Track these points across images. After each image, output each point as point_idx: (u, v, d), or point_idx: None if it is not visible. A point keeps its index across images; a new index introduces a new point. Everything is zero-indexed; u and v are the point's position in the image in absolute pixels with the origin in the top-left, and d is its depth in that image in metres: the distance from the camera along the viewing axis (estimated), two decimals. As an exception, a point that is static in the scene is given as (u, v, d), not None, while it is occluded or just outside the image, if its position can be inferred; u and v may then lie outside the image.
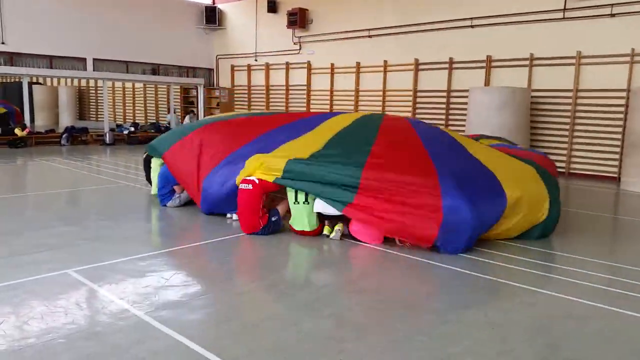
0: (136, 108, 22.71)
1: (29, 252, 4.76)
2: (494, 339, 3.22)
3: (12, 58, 14.31)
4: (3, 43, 13.91)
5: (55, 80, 25.06)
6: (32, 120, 23.32)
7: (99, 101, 25.36)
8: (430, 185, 5.16)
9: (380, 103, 14.38)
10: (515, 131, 10.85)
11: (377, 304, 3.82)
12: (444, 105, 13.10)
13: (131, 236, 5.52)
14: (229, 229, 5.79)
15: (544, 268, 4.84)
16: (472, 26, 12.42)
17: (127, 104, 23.24)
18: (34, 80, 24.52)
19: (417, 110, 13.63)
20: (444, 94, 13.06)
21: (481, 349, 3.08)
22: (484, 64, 12.27)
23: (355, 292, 4.08)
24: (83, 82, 24.22)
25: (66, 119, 23.69)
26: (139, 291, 3.90)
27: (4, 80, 25.16)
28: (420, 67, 13.53)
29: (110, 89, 22.88)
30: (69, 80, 23.97)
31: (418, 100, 13.63)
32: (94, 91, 25.05)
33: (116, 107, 23.83)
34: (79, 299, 3.71)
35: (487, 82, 12.21)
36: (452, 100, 12.95)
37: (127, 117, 23.07)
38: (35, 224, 5.87)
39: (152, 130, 17.27)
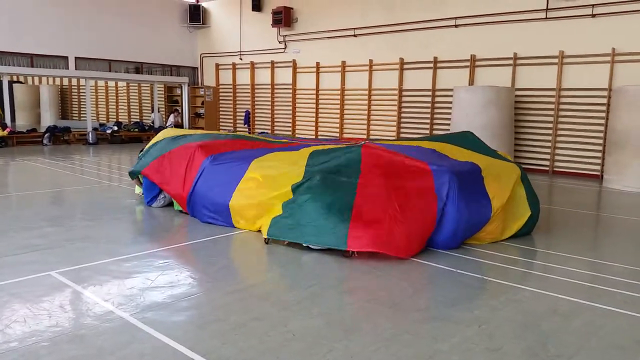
0: (120, 107, 22.45)
1: (11, 254, 4.68)
2: (481, 336, 3.24)
3: (-9, 56, 14.05)
4: (-18, 41, 13.64)
5: (37, 79, 24.64)
6: (13, 119, 23.06)
7: (81, 100, 25.01)
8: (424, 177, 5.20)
9: (366, 102, 14.41)
10: (499, 130, 10.96)
11: (364, 303, 3.82)
12: (429, 105, 13.17)
13: (116, 237, 5.46)
14: (215, 230, 5.74)
15: (529, 265, 4.89)
16: (456, 26, 12.51)
17: (110, 103, 22.96)
18: (15, 79, 24.15)
19: (403, 109, 13.69)
20: (429, 93, 13.13)
21: (469, 345, 3.09)
22: (468, 64, 12.36)
23: (342, 292, 4.08)
24: (65, 81, 23.85)
25: (48, 119, 23.33)
26: (124, 293, 3.85)
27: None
28: (406, 66, 13.59)
29: (93, 87, 22.60)
30: (50, 79, 23.59)
31: (403, 99, 13.69)
32: (76, 90, 24.70)
33: (99, 106, 23.54)
34: (63, 301, 3.65)
35: (471, 82, 12.31)
36: (437, 99, 13.02)
37: (110, 117, 22.79)
38: (18, 224, 5.77)
39: (136, 130, 17.12)
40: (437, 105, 13.05)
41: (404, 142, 6.94)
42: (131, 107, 21.74)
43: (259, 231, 5.56)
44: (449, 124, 12.11)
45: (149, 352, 2.93)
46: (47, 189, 8.37)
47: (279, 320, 3.43)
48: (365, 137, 14.27)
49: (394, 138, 13.69)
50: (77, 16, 15.47)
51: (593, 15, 10.55)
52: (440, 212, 5.07)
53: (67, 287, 3.91)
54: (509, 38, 11.66)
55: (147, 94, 20.85)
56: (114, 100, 22.66)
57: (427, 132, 13.15)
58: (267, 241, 5.20)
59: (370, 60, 14.20)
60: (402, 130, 13.75)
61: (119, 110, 22.47)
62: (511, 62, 11.67)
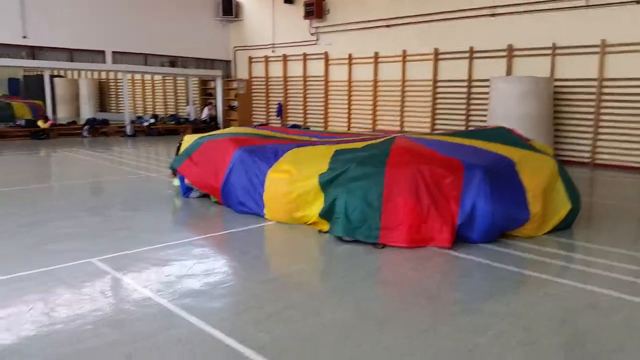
0: (156, 100, 22.91)
1: (55, 241, 4.85)
2: (518, 329, 3.18)
3: (33, 52, 14.50)
4: (25, 37, 14.08)
5: (75, 73, 25.35)
6: (54, 112, 23.85)
7: (119, 93, 25.63)
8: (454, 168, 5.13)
9: (399, 94, 14.26)
10: (538, 121, 10.68)
11: (397, 295, 3.81)
12: (464, 96, 12.94)
13: (153, 226, 5.58)
14: (248, 220, 5.80)
15: (568, 259, 4.77)
16: (493, 15, 12.21)
17: (147, 96, 23.45)
18: (55, 73, 24.91)
19: (437, 101, 13.49)
20: (465, 84, 12.89)
21: (506, 339, 3.05)
22: (505, 54, 12.06)
23: (376, 283, 4.07)
24: (103, 75, 24.45)
25: (87, 111, 24.03)
26: (161, 280, 3.94)
27: (26, 74, 25.57)
28: (440, 56, 13.37)
29: (130, 81, 23.12)
30: (89, 73, 24.21)
31: (438, 90, 13.49)
32: (114, 83, 25.32)
33: (136, 99, 24.07)
34: (104, 287, 3.77)
35: (508, 72, 12.02)
36: (473, 90, 12.78)
37: (147, 109, 23.29)
38: (60, 214, 5.98)
39: (172, 122, 17.44)
40: (473, 96, 12.80)
41: (435, 136, 6.85)
42: (167, 100, 22.16)
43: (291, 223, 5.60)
44: (485, 115, 11.88)
45: (186, 337, 2.99)
46: (87, 179, 8.62)
47: (311, 309, 3.45)
48: (399, 129, 14.15)
49: (427, 132, 13.55)
50: (114, 11, 15.78)
51: (637, 1, 10.13)
52: (471, 207, 4.97)
53: (107, 274, 4.03)
54: (548, 27, 11.32)
55: (183, 87, 21.19)
56: (151, 94, 23.14)
57: (463, 124, 12.94)
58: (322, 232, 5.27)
59: (404, 51, 14.03)
60: (436, 122, 13.57)
61: (156, 103, 22.93)
62: (550, 51, 11.33)
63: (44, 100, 25.75)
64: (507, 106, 10.75)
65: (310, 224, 5.49)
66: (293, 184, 5.61)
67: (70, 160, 10.78)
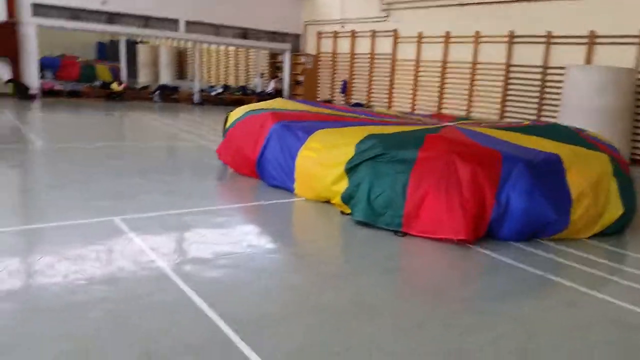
0: (228, 70, 23.40)
1: (92, 198, 5.06)
2: (520, 335, 2.93)
3: (111, 17, 15.17)
4: (104, 3, 14.73)
5: (158, 40, 26.37)
6: (135, 76, 25.09)
7: (194, 62, 26.46)
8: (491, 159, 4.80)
9: (469, 76, 13.60)
10: (616, 116, 9.80)
11: (401, 286, 3.66)
12: (538, 83, 12.11)
13: (187, 192, 5.69)
14: (278, 194, 5.77)
15: (606, 268, 4.33)
16: (576, -3, 11.25)
17: (220, 66, 24.01)
18: (139, 39, 26.06)
19: (509, 87, 12.73)
20: (539, 70, 12.05)
21: (502, 343, 2.81)
22: (585, 40, 11.10)
23: (383, 272, 3.90)
24: (182, 43, 25.22)
25: (165, 77, 25.05)
26: (171, 244, 4.01)
27: (112, 39, 26.95)
28: (515, 40, 12.55)
29: (204, 50, 23.72)
30: (170, 40, 25.06)
31: (510, 75, 12.71)
32: (191, 52, 26.12)
33: (211, 68, 24.74)
34: (115, 245, 3.88)
35: (588, 60, 11.07)
36: (548, 78, 11.92)
37: (220, 79, 23.89)
38: (107, 173, 6.24)
39: (239, 93, 17.76)
40: (547, 84, 11.95)
41: (486, 130, 6.43)
42: (239, 70, 22.56)
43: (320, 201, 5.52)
44: (558, 107, 11.07)
45: (171, 303, 3.02)
46: (144, 142, 8.96)
47: (306, 291, 3.37)
48: (465, 115, 13.55)
49: (493, 120, 12.87)
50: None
51: None
52: (505, 201, 4.64)
53: (123, 233, 4.14)
54: (635, 12, 10.25)
55: (254, 59, 21.44)
56: (224, 64, 23.66)
57: (534, 113, 12.14)
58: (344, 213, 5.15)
59: (476, 32, 13.30)
60: (506, 110, 12.83)
61: (228, 74, 23.44)
62: (637, 40, 10.28)
63: (128, 64, 27.14)
64: (582, 98, 9.93)
65: (335, 204, 5.38)
66: (320, 163, 5.51)
67: (135, 122, 11.27)
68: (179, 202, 5.19)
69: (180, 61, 26.79)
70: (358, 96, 16.93)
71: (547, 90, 11.92)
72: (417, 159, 4.93)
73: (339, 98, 17.42)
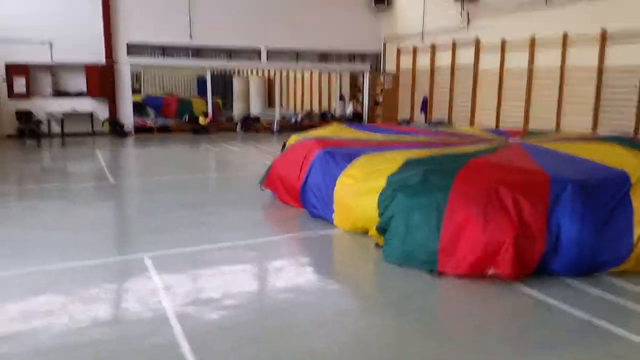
0: (313, 96, 23.75)
1: (128, 235, 5.24)
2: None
3: (198, 51, 16.09)
4: (191, 38, 15.68)
5: (248, 72, 27.57)
6: (231, 108, 26.42)
7: (282, 90, 27.28)
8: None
9: (558, 83, 12.47)
10: None
11: (414, 327, 3.27)
12: (637, 87, 10.76)
13: (231, 224, 5.70)
14: (320, 225, 5.57)
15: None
16: (678, -15, 9.89)
17: (305, 93, 24.47)
18: (234, 72, 27.44)
19: (603, 94, 11.46)
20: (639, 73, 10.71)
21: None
22: (693, 32, 9.70)
23: (399, 313, 3.53)
24: (271, 72, 26.08)
25: (255, 107, 26.06)
26: (187, 283, 3.99)
27: (211, 74, 28.63)
28: (610, 39, 11.31)
29: (285, 78, 24.34)
30: (260, 71, 26.03)
31: (605, 81, 11.44)
32: (279, 81, 26.99)
33: (296, 95, 25.31)
34: (131, 285, 3.94)
35: (697, 55, 9.64)
36: (649, 79, 10.56)
37: (305, 105, 24.33)
38: (158, 206, 6.47)
39: (317, 119, 17.88)
40: (648, 87, 10.59)
41: (558, 144, 5.76)
42: (322, 96, 22.80)
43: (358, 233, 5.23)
44: (658, 110, 9.75)
45: (158, 346, 2.96)
46: (207, 173, 9.23)
47: (304, 333, 3.14)
48: (554, 128, 12.43)
49: (584, 132, 11.66)
50: (268, 11, 16.64)
51: None
52: (556, 230, 4.03)
53: (145, 271, 4.19)
54: None
55: (337, 82, 21.54)
56: (308, 90, 24.07)
57: (633, 123, 10.79)
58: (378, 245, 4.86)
59: (565, 33, 12.20)
60: (601, 120, 11.53)
61: (313, 99, 23.79)
62: None
63: (224, 97, 28.62)
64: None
65: (372, 235, 5.05)
66: (357, 191, 5.23)
67: (208, 154, 11.72)
68: (214, 235, 5.20)
69: (269, 91, 27.75)
70: (439, 113, 16.27)
71: (648, 94, 10.55)
72: (453, 188, 4.47)
73: (419, 117, 16.88)
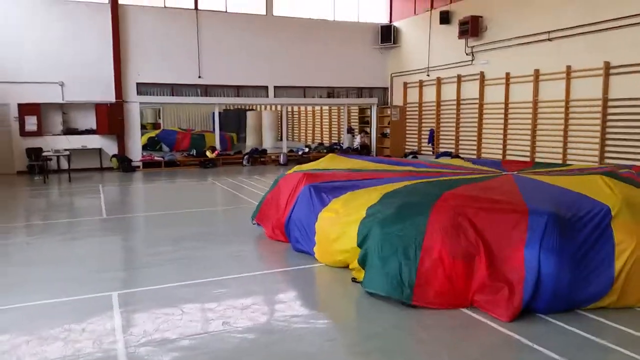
0: (323, 129, 23.90)
1: (104, 271, 5.20)
2: None
3: (206, 89, 16.40)
4: (200, 77, 16.03)
5: (261, 106, 27.97)
6: (245, 140, 26.75)
7: (294, 124, 27.57)
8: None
9: (563, 115, 12.30)
10: None
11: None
12: (642, 117, 10.56)
13: (212, 259, 5.63)
14: (303, 260, 5.49)
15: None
16: (679, 15, 9.79)
17: (316, 125, 24.66)
18: (248, 107, 27.91)
19: (608, 124, 11.26)
20: (643, 102, 10.53)
21: None
22: (696, 62, 9.52)
23: (360, 352, 3.39)
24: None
25: (268, 140, 26.31)
26: (148, 323, 3.90)
27: (225, 109, 29.20)
28: (612, 71, 11.18)
29: (297, 112, 24.57)
30: (274, 106, 26.42)
31: (609, 111, 11.26)
32: (291, 115, 27.31)
33: (308, 128, 25.51)
34: (90, 325, 3.87)
35: (702, 85, 9.44)
36: (654, 110, 10.36)
37: (315, 138, 24.48)
38: (143, 242, 6.45)
39: (324, 151, 17.92)
40: (653, 117, 10.38)
41: (547, 177, 5.63)
42: (331, 128, 22.93)
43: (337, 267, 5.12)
44: (664, 141, 9.51)
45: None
46: (205, 207, 9.22)
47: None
48: (561, 160, 12.21)
49: (591, 163, 11.43)
50: (276, 50, 16.98)
51: None
52: (534, 264, 3.88)
53: (109, 310, 4.13)
54: None
55: (344, 115, 21.70)
56: (319, 122, 24.27)
57: (639, 152, 10.54)
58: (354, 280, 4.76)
59: (568, 67, 12.11)
60: (606, 151, 11.29)
61: (323, 132, 23.94)
62: None
63: (237, 131, 28.95)
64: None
65: (352, 269, 4.94)
66: (337, 225, 5.16)
67: (210, 188, 11.76)
68: (192, 272, 5.14)
69: (281, 124, 28.02)
70: (446, 146, 16.17)
71: (654, 124, 10.32)
72: (429, 222, 4.37)
73: (426, 149, 16.80)
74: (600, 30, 11.32)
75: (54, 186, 11.98)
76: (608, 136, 11.29)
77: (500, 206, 4.38)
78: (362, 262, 4.65)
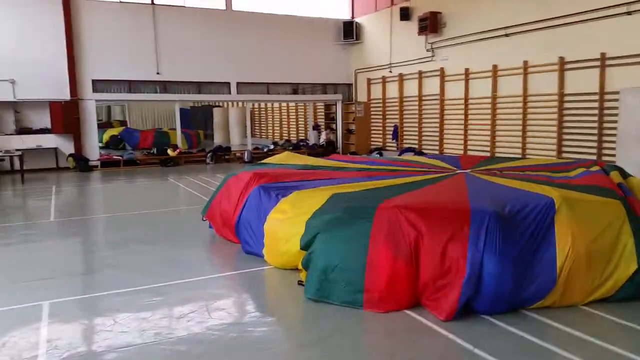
0: (290, 126, 23.75)
1: (42, 278, 4.97)
2: None
3: (165, 86, 16.05)
4: (158, 73, 15.67)
5: (228, 103, 27.59)
6: (212, 138, 26.33)
7: (262, 120, 27.29)
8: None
9: (521, 110, 12.47)
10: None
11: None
12: (596, 111, 10.75)
13: (155, 264, 5.43)
14: (252, 262, 5.36)
15: (596, 351, 3.35)
16: (629, 12, 9.98)
17: (283, 122, 24.48)
18: (215, 103, 27.49)
19: (565, 119, 11.45)
20: (596, 97, 10.72)
21: None
22: (646, 58, 9.74)
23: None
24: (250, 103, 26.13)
25: (235, 137, 25.98)
26: (75, 335, 3.72)
27: (193, 106, 28.69)
28: (567, 66, 11.36)
29: (265, 108, 24.31)
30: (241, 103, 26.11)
31: (565, 105, 11.45)
32: (258, 111, 27.06)
33: (276, 124, 25.30)
34: (12, 338, 3.66)
35: (653, 80, 9.65)
36: (607, 104, 10.55)
37: (283, 135, 24.30)
38: (83, 246, 6.22)
39: (290, 148, 17.80)
40: (606, 112, 10.58)
41: (500, 179, 5.63)
42: (298, 125, 22.80)
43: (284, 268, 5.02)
44: (615, 135, 9.71)
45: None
46: (157, 208, 8.95)
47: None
48: (519, 154, 12.38)
49: (548, 157, 11.61)
50: (238, 46, 16.71)
51: None
52: (478, 264, 3.85)
53: (37, 322, 3.93)
54: None
55: (310, 112, 21.59)
56: (286, 119, 24.10)
57: (595, 147, 10.74)
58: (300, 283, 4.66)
59: (525, 62, 12.26)
60: (564, 145, 11.49)
61: (290, 129, 23.78)
62: None
63: (205, 128, 28.39)
64: (638, 126, 8.59)
65: (300, 271, 4.85)
66: (285, 226, 5.05)
67: (169, 188, 11.50)
68: (133, 278, 4.95)
69: (251, 121, 27.69)
70: (410, 141, 16.24)
71: (607, 119, 10.53)
72: (373, 225, 4.30)
73: (391, 144, 16.84)
74: (555, 26, 11.49)
75: (5, 188, 11.53)
76: (565, 130, 11.48)
77: (443, 206, 4.33)
78: (306, 265, 4.55)
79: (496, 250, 3.87)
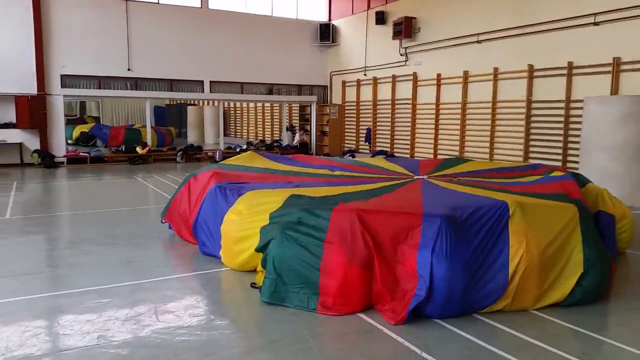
0: (265, 126, 23.64)
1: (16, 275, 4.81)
2: None
3: (136, 83, 15.79)
4: (129, 70, 15.41)
5: (204, 102, 27.33)
6: (185, 136, 25.99)
7: (237, 120, 27.10)
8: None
9: (490, 115, 12.63)
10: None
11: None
12: (562, 118, 10.95)
13: (108, 265, 5.29)
14: (208, 264, 5.27)
15: (540, 355, 3.38)
16: (595, 23, 10.19)
17: (258, 122, 24.35)
18: (189, 102, 27.16)
19: (532, 125, 11.63)
20: (562, 105, 10.92)
21: None
22: (610, 68, 9.94)
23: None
24: (226, 103, 25.92)
25: (210, 136, 25.73)
26: (13, 338, 3.58)
27: (168, 103, 28.29)
28: (535, 73, 11.55)
29: (241, 108, 24.12)
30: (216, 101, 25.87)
31: (533, 112, 11.64)
32: (233, 110, 26.86)
33: (251, 124, 25.15)
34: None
35: (614, 90, 9.87)
36: (572, 112, 10.76)
37: (258, 135, 24.17)
38: (40, 244, 6.04)
39: (264, 148, 17.70)
40: (572, 119, 10.78)
41: (458, 186, 5.64)
42: (274, 126, 22.70)
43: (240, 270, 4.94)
44: (579, 142, 9.89)
45: None
46: (120, 206, 8.78)
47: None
48: (487, 158, 12.52)
49: (513, 161, 11.77)
50: (212, 44, 16.56)
51: None
52: (427, 269, 3.84)
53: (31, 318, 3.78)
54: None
55: (287, 113, 21.53)
56: (262, 119, 23.98)
57: (560, 154, 10.94)
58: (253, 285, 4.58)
59: (495, 69, 12.43)
60: (530, 150, 11.67)
61: (266, 129, 23.67)
62: (667, 63, 9.04)
63: (180, 126, 27.96)
64: (601, 132, 8.75)
65: (258, 272, 4.78)
66: (241, 228, 4.97)
67: (135, 186, 11.28)
68: (82, 279, 4.81)
69: (225, 119, 27.45)
70: (381, 144, 16.30)
71: (572, 125, 10.73)
72: (329, 229, 4.26)
73: (364, 147, 16.88)
74: (525, 34, 11.68)
75: (-37, 184, 11.16)
76: (532, 136, 11.66)
77: (395, 210, 4.32)
78: (264, 265, 4.49)
79: (447, 254, 3.87)
